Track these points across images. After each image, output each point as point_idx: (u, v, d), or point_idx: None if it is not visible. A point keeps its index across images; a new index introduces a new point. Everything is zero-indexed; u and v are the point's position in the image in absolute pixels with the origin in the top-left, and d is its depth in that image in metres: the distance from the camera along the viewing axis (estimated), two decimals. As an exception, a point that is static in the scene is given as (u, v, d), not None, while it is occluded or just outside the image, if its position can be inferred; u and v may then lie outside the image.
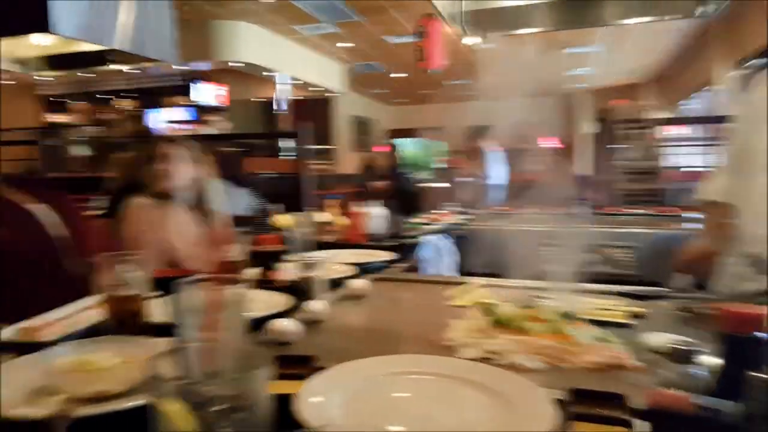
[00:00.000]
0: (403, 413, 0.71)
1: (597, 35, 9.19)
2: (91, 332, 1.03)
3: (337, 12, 7.97)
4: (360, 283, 1.42)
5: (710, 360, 0.69)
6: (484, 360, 0.93)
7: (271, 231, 2.76)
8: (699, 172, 7.60)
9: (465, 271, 2.63)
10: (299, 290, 1.31)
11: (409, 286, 1.63)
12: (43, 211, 1.65)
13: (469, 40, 8.84)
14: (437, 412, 0.72)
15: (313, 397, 0.68)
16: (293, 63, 10.23)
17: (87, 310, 1.13)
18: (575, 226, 3.14)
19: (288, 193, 5.86)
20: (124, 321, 0.99)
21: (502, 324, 1.02)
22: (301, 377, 0.77)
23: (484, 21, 3.93)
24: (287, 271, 1.46)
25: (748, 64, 6.96)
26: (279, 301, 1.24)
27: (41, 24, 3.31)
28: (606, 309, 1.22)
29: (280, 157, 9.62)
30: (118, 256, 1.00)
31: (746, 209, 1.38)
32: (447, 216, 3.26)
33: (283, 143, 10.17)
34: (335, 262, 1.79)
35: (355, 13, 7.96)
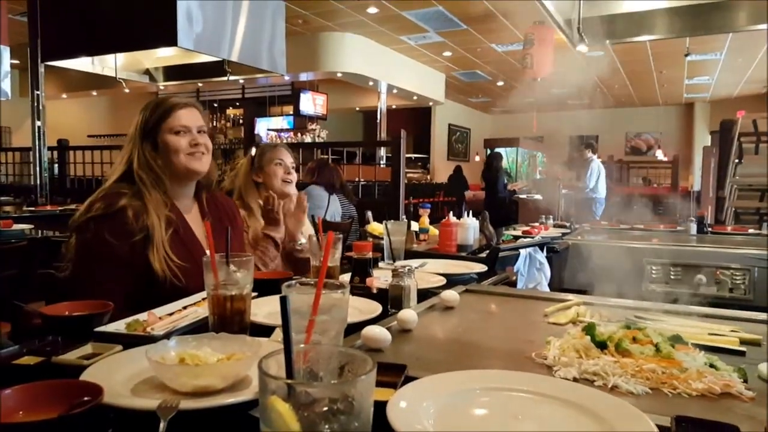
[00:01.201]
0: (494, 429, 0.70)
1: (723, 42, 8.47)
2: (197, 329, 1.09)
3: (444, 21, 8.01)
4: (450, 294, 1.40)
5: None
6: (583, 381, 0.89)
7: (366, 238, 2.83)
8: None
9: (559, 287, 2.53)
10: (391, 298, 1.33)
11: (499, 299, 1.59)
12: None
13: (583, 48, 8.52)
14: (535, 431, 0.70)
15: (405, 406, 0.68)
16: (397, 72, 10.41)
17: (194, 307, 1.21)
18: (685, 245, 2.94)
19: (383, 200, 5.98)
20: (229, 319, 1.02)
21: (603, 344, 0.96)
22: (393, 385, 0.77)
23: (601, 28, 3.75)
24: (379, 278, 1.48)
25: None
26: (371, 308, 1.26)
27: (170, 38, 3.69)
28: (717, 334, 1.11)
29: (379, 166, 9.84)
30: (227, 256, 1.04)
31: None
32: (544, 229, 3.14)
33: (381, 152, 10.40)
34: (425, 272, 1.80)
35: (462, 21, 7.95)
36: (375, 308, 1.24)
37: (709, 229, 3.47)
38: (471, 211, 2.55)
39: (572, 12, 3.49)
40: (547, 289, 2.35)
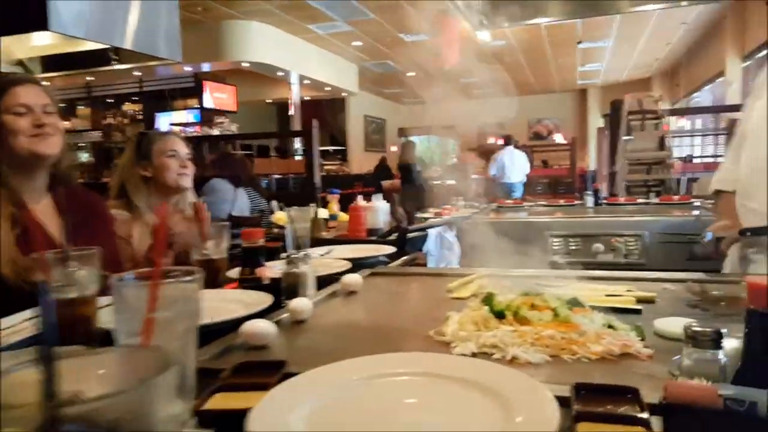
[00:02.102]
0: (380, 422, 0.61)
1: (610, 30, 9.02)
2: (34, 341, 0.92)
3: (351, 10, 7.91)
4: (351, 279, 1.32)
5: (734, 343, 0.59)
6: (482, 355, 0.84)
7: (272, 229, 2.70)
8: (708, 162, 7.46)
9: (469, 264, 2.54)
10: (284, 288, 1.22)
11: (407, 279, 1.53)
12: None
13: (484, 34, 8.73)
14: (422, 418, 0.62)
15: (271, 412, 0.58)
16: (308, 62, 10.19)
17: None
18: (583, 216, 3.06)
19: (299, 193, 5.82)
20: (69, 329, 0.84)
21: (502, 314, 0.91)
22: (265, 387, 0.67)
23: (498, 12, 3.81)
24: (273, 268, 1.36)
25: (759, 55, 6.74)
26: (259, 300, 1.14)
27: (40, 21, 3.29)
28: (614, 295, 1.11)
29: (293, 158, 9.61)
30: (63, 253, 0.86)
31: (739, 188, 1.47)
32: (455, 210, 3.15)
33: (296, 144, 10.16)
34: (331, 258, 1.71)
35: (370, 10, 7.89)
36: (263, 300, 1.13)
37: (604, 201, 3.68)
38: (393, 197, 2.49)
39: (474, -5, 3.52)
40: (458, 267, 2.34)
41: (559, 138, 13.88)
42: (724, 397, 0.49)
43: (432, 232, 2.35)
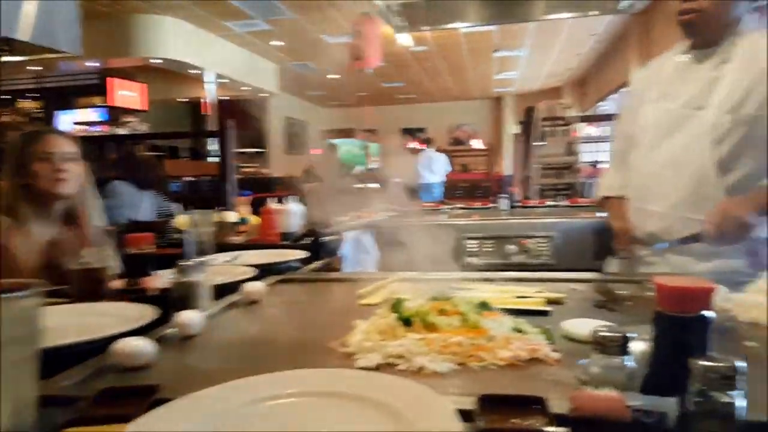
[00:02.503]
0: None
1: (525, 39, 9.41)
2: None
3: (270, 8, 7.69)
4: (253, 287, 1.21)
5: (641, 347, 0.56)
6: (387, 366, 0.77)
7: (175, 234, 2.51)
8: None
9: (386, 267, 2.51)
10: (174, 299, 1.09)
11: (316, 286, 1.44)
12: None
13: (406, 39, 8.81)
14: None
15: None
16: (223, 61, 9.80)
17: None
18: (497, 219, 3.11)
19: (214, 197, 5.55)
20: None
21: (409, 321, 0.85)
22: (127, 419, 0.56)
23: (417, 14, 3.82)
24: (160, 277, 1.23)
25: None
26: (141, 313, 1.02)
27: None
28: (524, 296, 1.09)
29: (207, 161, 9.20)
30: None
31: (634, 193, 1.53)
32: (373, 213, 3.10)
33: (211, 146, 9.74)
34: (235, 264, 1.59)
35: (289, 9, 7.71)
36: (146, 314, 1.00)
37: (518, 204, 3.79)
38: (310, 200, 2.39)
39: (393, -1, 3.50)
40: (374, 271, 2.29)
41: (477, 143, 14.34)
42: (632, 409, 0.45)
43: (348, 235, 2.28)
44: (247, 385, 0.63)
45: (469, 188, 8.60)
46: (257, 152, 13.75)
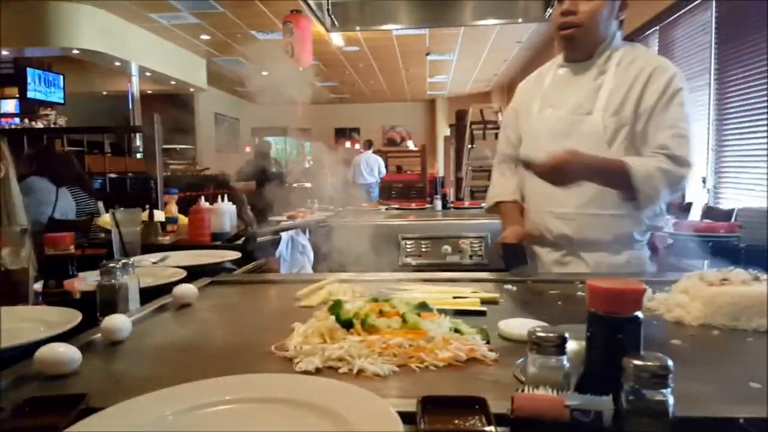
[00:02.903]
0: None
1: (455, 44, 9.64)
2: None
3: (198, 1, 7.41)
4: (183, 289, 1.16)
5: (575, 347, 0.58)
6: (327, 369, 0.76)
7: (101, 234, 2.37)
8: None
9: (323, 268, 2.50)
10: (100, 303, 1.03)
11: (251, 288, 1.40)
12: None
13: (338, 39, 8.73)
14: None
15: None
16: (149, 54, 9.35)
17: None
18: (432, 220, 3.15)
19: (140, 195, 5.28)
20: None
21: (349, 323, 0.85)
22: (54, 430, 0.52)
23: (349, 14, 3.81)
24: (86, 279, 1.16)
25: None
26: (63, 318, 0.95)
27: None
28: (461, 297, 1.11)
29: (131, 157, 8.76)
30: None
31: (541, 198, 1.57)
32: (310, 213, 3.07)
33: (137, 141, 9.26)
34: (165, 266, 1.52)
35: (218, 3, 7.46)
36: (70, 319, 0.94)
37: (451, 205, 3.87)
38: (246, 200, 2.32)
39: (324, -3, 3.48)
40: (311, 272, 2.26)
41: (411, 145, 14.54)
42: (570, 408, 0.47)
43: (284, 236, 2.23)
44: (182, 392, 0.60)
45: (404, 189, 8.68)
46: (185, 148, 13.24)
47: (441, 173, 11.57)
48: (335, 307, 0.88)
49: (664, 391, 0.47)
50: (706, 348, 0.90)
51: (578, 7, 1.43)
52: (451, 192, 5.79)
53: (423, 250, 2.75)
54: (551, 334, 0.56)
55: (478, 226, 2.82)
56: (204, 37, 9.36)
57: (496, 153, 1.80)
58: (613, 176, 1.37)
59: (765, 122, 3.38)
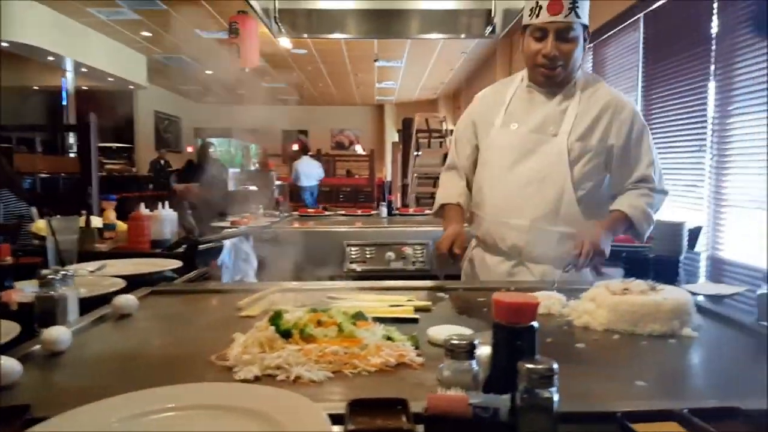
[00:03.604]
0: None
1: (403, 52, 9.80)
2: None
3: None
4: (123, 300, 1.18)
5: (487, 352, 0.66)
6: (266, 378, 0.82)
7: (35, 241, 2.31)
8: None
9: (267, 276, 2.51)
10: (37, 315, 1.04)
11: (193, 298, 1.42)
12: None
13: (284, 41, 8.69)
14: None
15: None
16: (85, 49, 8.97)
17: None
18: (377, 226, 3.22)
19: (72, 197, 5.08)
20: None
21: (288, 333, 0.90)
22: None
23: (297, 21, 3.83)
24: (23, 291, 1.16)
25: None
26: (3, 330, 0.96)
27: None
28: (397, 305, 1.19)
29: (65, 155, 8.38)
30: None
31: (493, 209, 1.67)
32: (253, 219, 3.08)
33: (70, 139, 8.86)
34: (103, 275, 1.51)
35: (162, 2, 7.28)
36: (8, 330, 0.95)
37: (396, 211, 3.95)
38: (187, 204, 2.30)
39: (271, 3, 3.49)
40: (254, 280, 2.28)
41: (359, 149, 14.61)
42: (473, 406, 0.55)
43: (227, 243, 2.24)
44: (126, 401, 0.64)
45: (352, 193, 8.74)
46: (123, 148, 12.74)
47: (389, 178, 11.70)
48: (275, 318, 0.93)
49: (551, 389, 0.56)
50: (606, 351, 1.01)
51: (560, 49, 1.53)
52: (397, 197, 5.90)
53: (368, 256, 2.82)
54: (463, 342, 0.64)
55: (421, 234, 2.91)
56: (145, 33, 9.09)
57: (441, 161, 1.88)
58: (621, 226, 1.61)
59: (685, 137, 3.65)
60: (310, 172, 8.73)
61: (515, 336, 0.62)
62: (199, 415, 0.62)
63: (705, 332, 1.10)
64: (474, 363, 0.64)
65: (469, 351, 0.64)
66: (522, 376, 0.56)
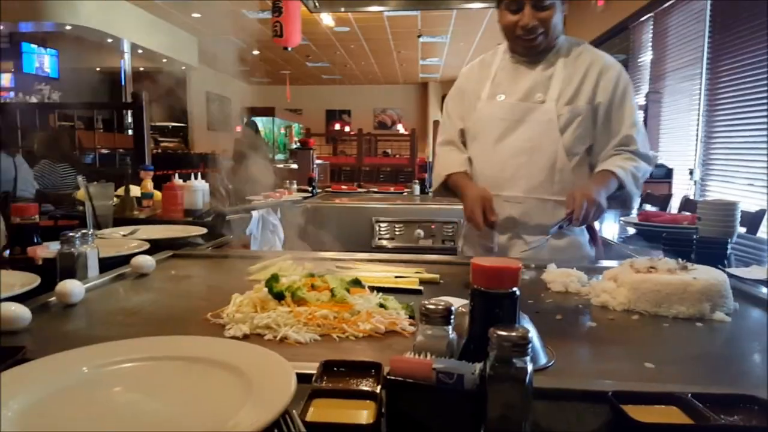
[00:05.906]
0: (102, 412, 0.55)
1: (447, 26, 9.57)
2: None
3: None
4: (141, 260, 1.22)
5: (463, 320, 0.63)
6: (255, 336, 0.82)
7: (78, 207, 2.41)
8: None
9: (292, 246, 2.54)
10: (60, 270, 1.10)
11: (210, 262, 1.46)
12: None
13: (326, 18, 8.65)
14: (147, 404, 0.57)
15: None
16: (140, 31, 9.28)
17: None
18: (407, 204, 3.20)
19: (129, 172, 5.29)
20: None
21: (281, 295, 0.90)
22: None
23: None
24: (48, 247, 1.22)
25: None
26: (21, 281, 1.02)
27: None
28: (402, 276, 1.16)
29: (120, 133, 8.72)
30: None
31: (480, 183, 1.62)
32: (288, 193, 3.12)
33: (129, 118, 9.21)
34: (134, 238, 1.57)
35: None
36: (28, 281, 1.00)
37: (429, 190, 3.89)
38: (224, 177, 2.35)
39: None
40: (280, 250, 2.31)
41: (401, 128, 14.47)
42: (436, 371, 0.52)
43: (255, 214, 2.28)
44: (101, 349, 0.66)
45: (392, 173, 8.69)
46: (177, 127, 13.16)
47: (432, 158, 11.59)
48: (270, 281, 0.93)
49: (524, 359, 0.52)
50: (619, 331, 0.94)
51: (538, 17, 1.49)
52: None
53: (397, 233, 2.81)
54: (439, 306, 0.61)
55: (451, 212, 2.87)
56: (195, 15, 9.29)
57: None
58: (610, 186, 1.50)
59: (757, 114, 3.35)
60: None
61: (493, 302, 0.59)
62: (166, 365, 0.63)
63: (740, 318, 0.99)
64: (450, 329, 0.61)
65: (444, 317, 0.61)
66: (493, 343, 0.52)
